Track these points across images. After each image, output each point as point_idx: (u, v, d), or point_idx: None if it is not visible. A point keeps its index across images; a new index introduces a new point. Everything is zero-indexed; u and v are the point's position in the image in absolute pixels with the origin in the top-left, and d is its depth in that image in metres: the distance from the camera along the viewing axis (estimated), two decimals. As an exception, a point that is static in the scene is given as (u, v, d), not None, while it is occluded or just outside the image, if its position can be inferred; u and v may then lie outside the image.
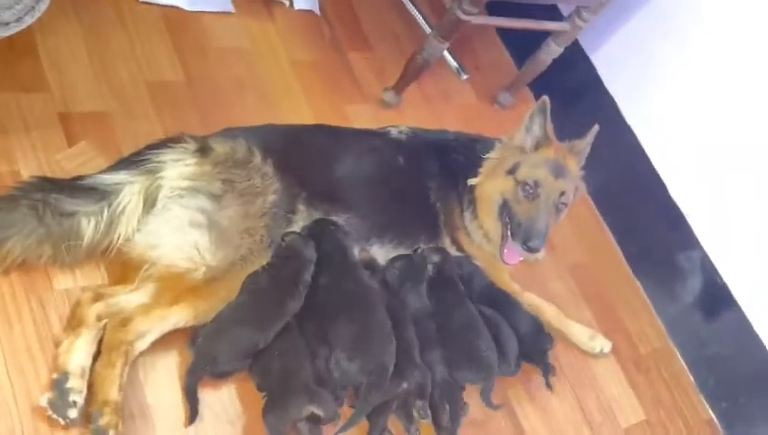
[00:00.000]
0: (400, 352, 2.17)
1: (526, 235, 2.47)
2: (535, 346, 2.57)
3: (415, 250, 2.56)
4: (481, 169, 2.61)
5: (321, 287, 2.26)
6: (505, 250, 2.55)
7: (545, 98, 2.48)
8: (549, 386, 2.58)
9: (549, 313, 2.77)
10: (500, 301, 2.60)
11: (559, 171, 2.53)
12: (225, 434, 2.04)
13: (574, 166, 2.62)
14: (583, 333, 2.84)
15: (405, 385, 2.15)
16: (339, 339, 2.15)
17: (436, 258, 2.53)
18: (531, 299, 2.74)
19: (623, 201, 3.39)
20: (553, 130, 2.63)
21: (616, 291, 3.26)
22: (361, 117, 3.03)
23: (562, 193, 2.54)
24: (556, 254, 3.14)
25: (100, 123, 2.44)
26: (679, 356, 3.21)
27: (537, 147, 2.55)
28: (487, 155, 2.62)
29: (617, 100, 3.41)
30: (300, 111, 2.90)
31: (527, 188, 2.50)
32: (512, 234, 2.53)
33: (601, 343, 2.86)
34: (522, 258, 2.58)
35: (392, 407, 2.16)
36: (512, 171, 2.54)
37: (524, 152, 2.55)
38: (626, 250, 3.42)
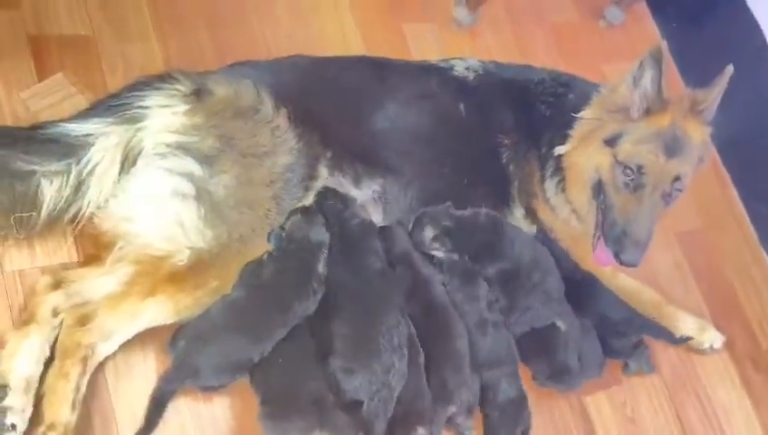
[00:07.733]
0: (450, 365, 1.90)
1: (619, 243, 2.08)
2: (628, 337, 2.30)
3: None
4: (572, 132, 2.21)
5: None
6: (597, 249, 2.20)
7: (661, 44, 2.05)
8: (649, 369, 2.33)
9: (648, 299, 2.42)
10: (584, 287, 2.30)
11: (673, 149, 2.09)
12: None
13: (697, 132, 2.16)
14: (690, 324, 2.47)
15: (453, 409, 1.88)
16: (336, 343, 1.80)
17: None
18: (625, 282, 2.41)
19: (758, 153, 2.97)
20: (674, 71, 2.28)
21: (736, 266, 2.86)
22: (424, 39, 2.65)
23: (677, 178, 2.12)
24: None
25: (83, 50, 2.12)
26: (815, 358, 2.78)
27: (647, 112, 2.10)
28: (581, 113, 2.21)
29: (762, 26, 2.92)
30: (342, 29, 2.55)
31: (628, 172, 2.10)
32: (604, 234, 2.14)
33: (712, 337, 2.49)
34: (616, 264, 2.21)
35: None
36: (611, 142, 2.14)
37: (629, 118, 2.12)
38: (754, 212, 3.02)
